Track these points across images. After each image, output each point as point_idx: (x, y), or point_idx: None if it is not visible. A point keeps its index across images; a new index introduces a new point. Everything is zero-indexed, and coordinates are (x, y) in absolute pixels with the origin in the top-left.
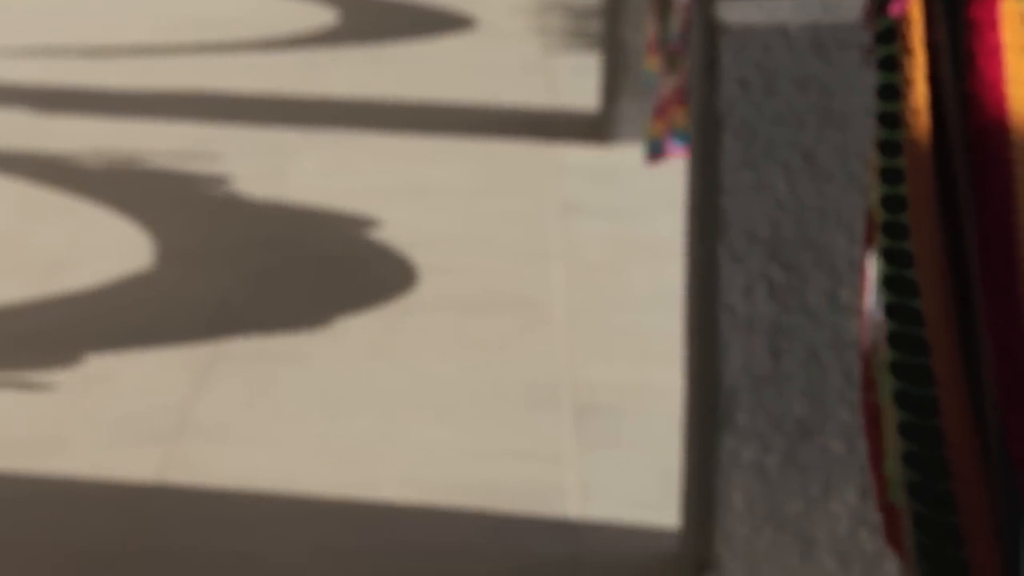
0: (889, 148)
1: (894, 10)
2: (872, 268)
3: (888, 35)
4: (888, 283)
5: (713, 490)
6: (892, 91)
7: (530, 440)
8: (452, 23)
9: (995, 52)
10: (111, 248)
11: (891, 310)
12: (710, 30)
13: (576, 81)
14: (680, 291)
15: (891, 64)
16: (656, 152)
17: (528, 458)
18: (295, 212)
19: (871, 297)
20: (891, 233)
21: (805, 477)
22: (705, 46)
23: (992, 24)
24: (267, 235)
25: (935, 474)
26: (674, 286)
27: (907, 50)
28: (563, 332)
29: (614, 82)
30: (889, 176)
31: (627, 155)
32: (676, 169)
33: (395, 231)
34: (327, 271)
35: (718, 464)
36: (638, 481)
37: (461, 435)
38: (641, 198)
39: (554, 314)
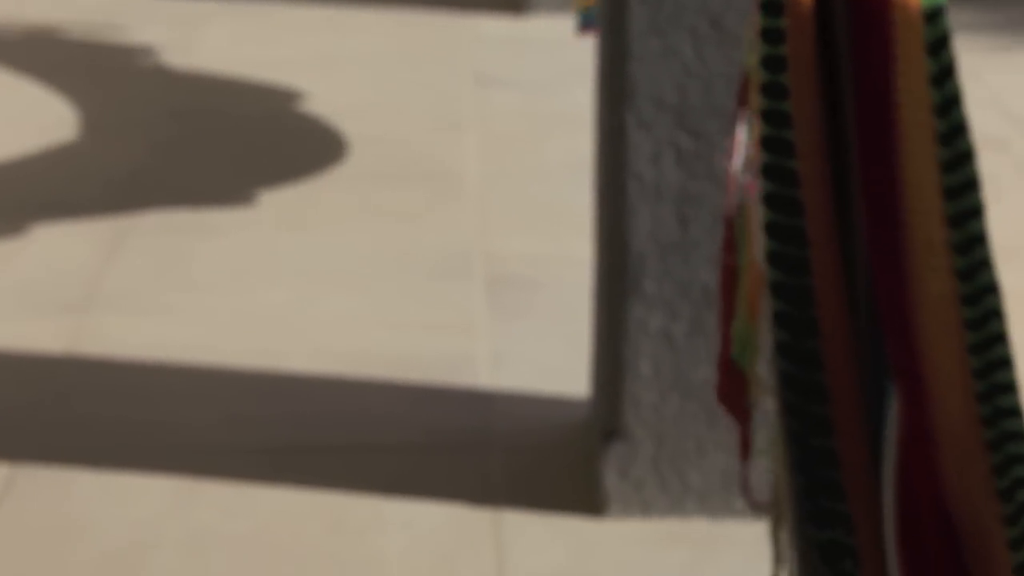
0: (771, 8)
1: None
2: (741, 131)
3: None
4: (765, 144)
5: (621, 358)
6: None
7: (442, 311)
8: None
9: None
10: (21, 119)
11: (767, 171)
12: None
13: None
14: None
15: None
16: (588, 24)
17: (440, 329)
18: (207, 83)
19: (736, 160)
20: (771, 94)
21: (712, 344)
22: None
23: None
24: (178, 106)
25: (803, 333)
26: (587, 158)
27: None
28: (476, 203)
29: None
30: (770, 36)
31: (543, 27)
32: (592, 42)
33: (307, 102)
34: (240, 142)
35: (626, 332)
36: (549, 351)
37: (373, 306)
38: (556, 70)
39: (467, 185)
